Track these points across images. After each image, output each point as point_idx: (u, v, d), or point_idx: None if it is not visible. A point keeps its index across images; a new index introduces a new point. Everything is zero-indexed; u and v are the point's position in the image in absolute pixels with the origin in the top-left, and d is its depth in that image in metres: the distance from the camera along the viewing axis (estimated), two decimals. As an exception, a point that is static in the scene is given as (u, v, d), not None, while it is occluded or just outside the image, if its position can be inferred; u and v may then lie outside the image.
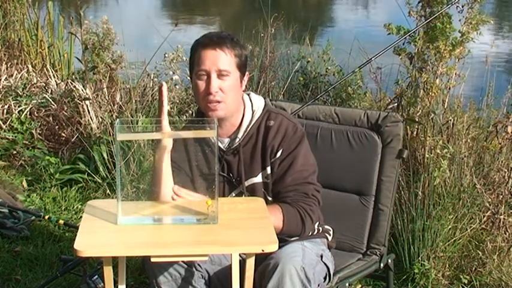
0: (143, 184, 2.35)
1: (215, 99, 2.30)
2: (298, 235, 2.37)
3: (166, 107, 2.15)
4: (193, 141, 2.25)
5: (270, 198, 2.41)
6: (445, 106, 3.65)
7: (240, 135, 2.40)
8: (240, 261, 2.02)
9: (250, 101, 2.45)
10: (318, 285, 2.28)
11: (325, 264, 2.37)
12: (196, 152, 2.30)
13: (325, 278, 2.38)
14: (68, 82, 5.26)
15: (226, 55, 2.31)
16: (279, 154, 2.38)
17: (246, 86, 2.44)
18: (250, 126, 2.40)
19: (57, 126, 4.98)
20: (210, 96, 2.30)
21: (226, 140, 2.42)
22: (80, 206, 4.14)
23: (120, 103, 4.80)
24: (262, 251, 1.94)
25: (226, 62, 2.30)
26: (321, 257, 2.36)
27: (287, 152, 2.38)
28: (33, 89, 5.47)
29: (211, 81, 2.30)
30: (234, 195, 2.42)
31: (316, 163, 2.45)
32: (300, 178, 2.37)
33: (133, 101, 4.55)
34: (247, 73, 2.42)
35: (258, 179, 2.40)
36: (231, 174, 2.41)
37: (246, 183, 2.40)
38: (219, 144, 2.40)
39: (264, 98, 2.51)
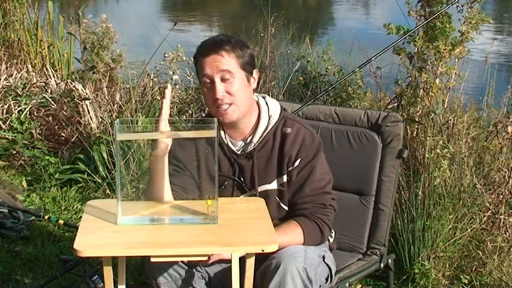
0: (143, 184, 2.34)
1: (224, 102, 2.29)
2: (317, 244, 2.36)
3: (167, 110, 2.13)
4: (204, 141, 2.24)
5: (283, 206, 2.40)
6: (445, 106, 3.64)
7: (255, 139, 2.38)
8: (240, 261, 2.01)
9: (267, 104, 2.42)
10: (320, 286, 2.27)
11: (327, 265, 2.37)
12: (205, 153, 2.27)
13: (326, 279, 2.37)
14: (67, 82, 5.26)
15: (224, 58, 2.29)
16: (297, 163, 2.36)
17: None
18: (266, 132, 2.38)
19: (56, 126, 4.97)
20: (218, 101, 2.29)
21: (240, 143, 2.40)
22: (79, 206, 4.13)
23: (120, 103, 4.79)
24: (262, 251, 1.94)
25: (226, 64, 2.29)
26: (323, 258, 2.36)
27: (305, 161, 2.36)
28: (33, 89, 5.46)
29: (216, 86, 2.29)
30: None
31: (330, 172, 2.44)
32: (318, 188, 2.36)
33: (133, 101, 4.55)
34: (255, 70, 2.39)
35: (273, 186, 2.38)
36: (242, 179, 2.39)
37: (259, 189, 2.38)
38: (232, 147, 2.39)
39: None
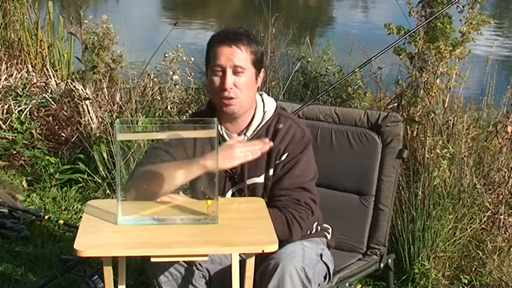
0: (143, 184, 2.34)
1: (229, 96, 2.32)
2: (286, 240, 2.34)
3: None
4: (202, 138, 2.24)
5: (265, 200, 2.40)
6: (445, 106, 3.65)
7: (249, 134, 2.41)
8: (240, 261, 2.01)
9: (263, 101, 2.46)
10: (319, 285, 2.28)
11: (324, 263, 2.37)
12: (202, 149, 2.28)
13: (325, 278, 2.38)
14: (67, 82, 5.26)
15: (242, 52, 2.32)
16: (284, 157, 2.38)
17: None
18: (260, 127, 2.41)
19: (57, 126, 4.98)
20: (225, 93, 2.31)
21: (235, 136, 2.42)
22: (79, 206, 4.13)
23: (120, 103, 4.80)
24: (263, 251, 1.94)
25: (242, 58, 2.31)
26: (321, 256, 2.36)
27: (291, 156, 2.38)
28: (33, 89, 5.47)
29: (226, 77, 2.31)
30: (234, 191, 2.42)
31: (317, 170, 2.43)
32: (297, 183, 2.36)
33: (133, 101, 4.56)
34: (263, 70, 2.43)
35: (260, 179, 2.40)
36: (233, 170, 2.40)
37: (248, 182, 2.40)
38: (227, 138, 2.42)
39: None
